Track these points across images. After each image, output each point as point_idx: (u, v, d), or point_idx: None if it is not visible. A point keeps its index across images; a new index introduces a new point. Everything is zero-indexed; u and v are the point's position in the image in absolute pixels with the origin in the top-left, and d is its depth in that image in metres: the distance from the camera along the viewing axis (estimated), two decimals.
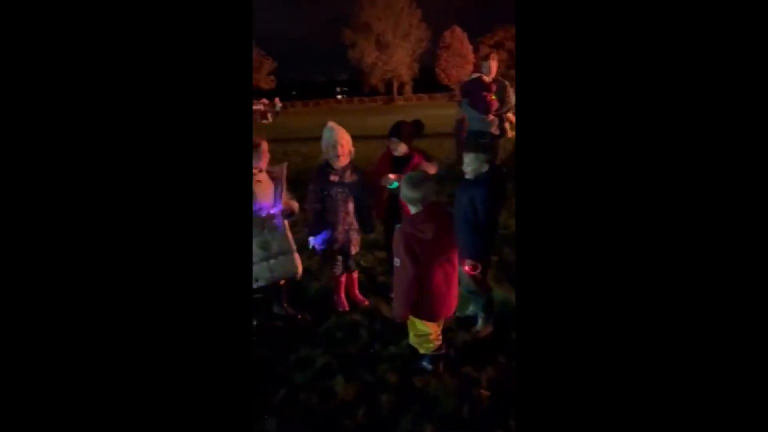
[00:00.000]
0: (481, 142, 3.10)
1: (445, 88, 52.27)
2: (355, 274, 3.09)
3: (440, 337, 2.29)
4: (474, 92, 4.52)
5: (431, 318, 2.21)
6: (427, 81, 54.63)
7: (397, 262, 2.08)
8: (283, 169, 2.61)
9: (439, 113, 20.86)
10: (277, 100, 31.27)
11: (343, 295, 3.03)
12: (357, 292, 3.11)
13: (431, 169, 2.97)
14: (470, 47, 53.10)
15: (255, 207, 2.50)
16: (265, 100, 29.14)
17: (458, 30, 53.31)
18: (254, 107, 27.53)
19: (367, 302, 3.04)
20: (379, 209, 2.94)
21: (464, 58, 52.70)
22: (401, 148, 2.85)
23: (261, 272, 2.59)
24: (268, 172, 2.60)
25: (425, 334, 2.25)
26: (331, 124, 2.74)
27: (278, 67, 50.36)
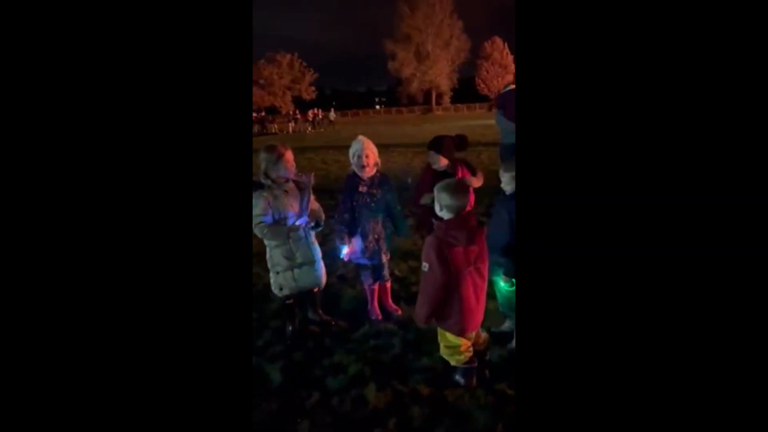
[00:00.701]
0: None
1: (485, 99, 51.80)
2: (389, 284, 3.10)
3: (471, 350, 2.26)
4: (510, 104, 4.45)
5: (460, 333, 2.18)
6: (467, 91, 54.34)
7: (425, 266, 2.08)
8: (309, 178, 2.67)
9: (478, 123, 20.67)
10: (332, 110, 32.02)
11: (376, 304, 3.04)
12: (390, 301, 3.12)
13: (476, 183, 2.95)
14: (511, 58, 52.40)
15: (278, 216, 2.56)
16: (315, 110, 29.92)
17: (499, 40, 52.82)
18: (301, 117, 28.32)
19: (400, 311, 3.05)
20: (422, 226, 2.94)
21: (505, 69, 52.03)
22: (440, 162, 2.85)
23: (285, 281, 2.66)
24: (295, 182, 2.66)
25: (455, 346, 2.22)
26: (360, 137, 2.83)
27: (319, 77, 51.67)
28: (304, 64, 50.88)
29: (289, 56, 50.21)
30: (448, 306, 2.11)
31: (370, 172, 2.77)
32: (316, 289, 2.86)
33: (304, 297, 2.89)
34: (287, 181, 2.61)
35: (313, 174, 2.70)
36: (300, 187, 2.65)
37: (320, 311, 2.96)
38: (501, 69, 51.91)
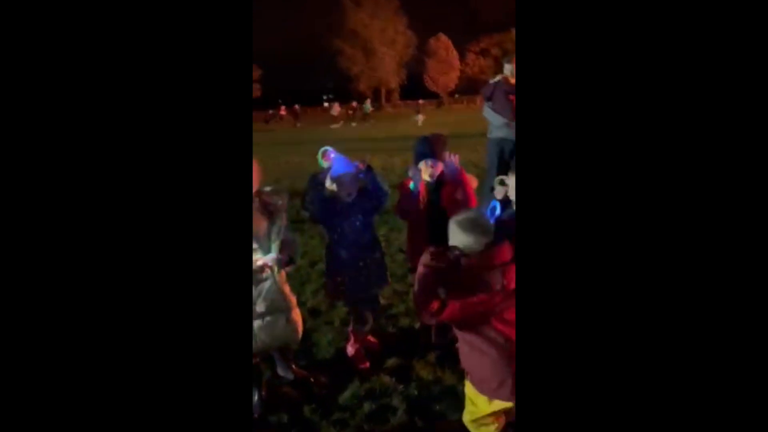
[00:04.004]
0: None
1: (433, 95, 52.28)
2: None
3: (502, 420, 1.71)
4: (498, 95, 4.01)
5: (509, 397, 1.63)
6: (415, 88, 54.61)
7: None
8: (282, 199, 1.99)
9: (430, 120, 20.53)
10: (368, 101, 29.65)
11: (359, 346, 2.43)
12: (369, 335, 2.53)
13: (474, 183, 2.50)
14: (456, 54, 53.32)
15: None
16: (336, 104, 27.72)
17: (444, 37, 53.47)
18: (333, 111, 26.19)
19: (377, 343, 2.51)
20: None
21: (450, 65, 52.88)
22: (437, 171, 2.32)
23: None
24: (264, 203, 1.96)
25: (483, 415, 1.68)
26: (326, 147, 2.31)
27: (264, 75, 49.74)
28: None
29: None
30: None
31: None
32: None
33: (271, 350, 2.22)
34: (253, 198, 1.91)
35: (286, 194, 2.03)
36: (269, 210, 1.95)
37: (293, 365, 2.30)
38: (447, 66, 52.65)
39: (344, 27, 49.78)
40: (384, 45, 50.96)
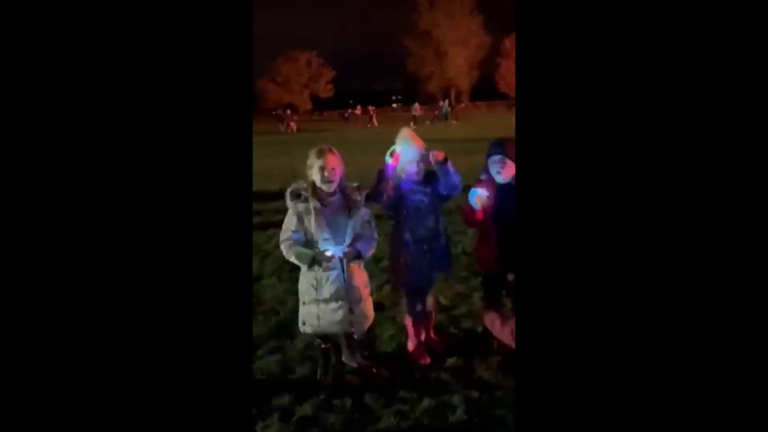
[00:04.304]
0: None
1: (503, 96, 50.74)
2: (434, 313, 2.59)
3: None
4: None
5: None
6: (486, 89, 53.35)
7: None
8: (361, 195, 2.11)
9: (498, 121, 19.98)
10: (446, 102, 30.71)
11: (419, 341, 2.48)
12: (432, 333, 2.58)
13: None
14: None
15: (308, 236, 2.04)
16: (417, 104, 28.30)
17: None
18: (415, 111, 27.01)
19: (439, 341, 2.54)
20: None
21: None
22: (509, 171, 2.27)
23: (308, 317, 2.13)
24: (345, 196, 2.10)
25: None
26: (404, 129, 2.37)
27: (336, 75, 51.40)
28: (322, 61, 50.76)
29: (307, 54, 50.10)
30: None
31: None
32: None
33: (339, 337, 2.35)
34: (332, 193, 2.07)
35: (365, 191, 2.15)
36: (349, 204, 2.09)
37: (358, 354, 2.41)
38: None
39: (416, 27, 49.93)
40: (456, 45, 50.33)
